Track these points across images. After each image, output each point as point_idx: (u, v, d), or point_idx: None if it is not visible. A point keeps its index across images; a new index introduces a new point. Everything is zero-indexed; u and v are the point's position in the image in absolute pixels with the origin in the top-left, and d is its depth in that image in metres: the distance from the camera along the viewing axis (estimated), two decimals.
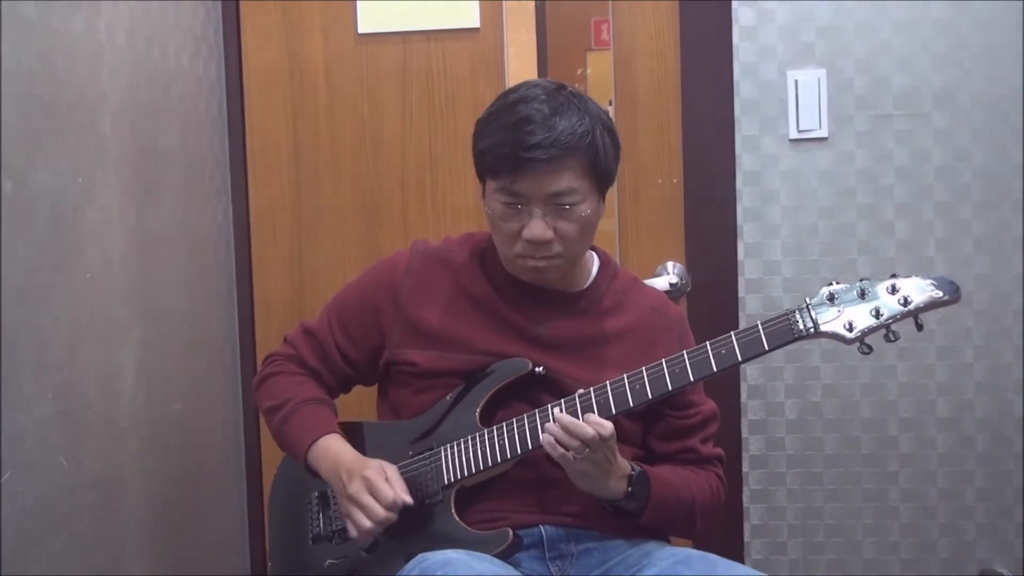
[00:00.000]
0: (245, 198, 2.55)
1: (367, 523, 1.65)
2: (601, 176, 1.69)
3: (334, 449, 1.74)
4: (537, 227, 1.66)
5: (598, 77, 2.54)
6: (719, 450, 1.83)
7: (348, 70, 2.53)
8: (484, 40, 2.50)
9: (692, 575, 1.59)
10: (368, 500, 1.65)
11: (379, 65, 2.53)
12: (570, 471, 1.62)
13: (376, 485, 1.65)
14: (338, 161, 2.55)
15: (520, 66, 2.49)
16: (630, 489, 1.66)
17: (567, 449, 1.58)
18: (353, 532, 1.68)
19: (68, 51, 1.80)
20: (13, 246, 1.62)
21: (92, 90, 1.89)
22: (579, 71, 2.58)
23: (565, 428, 1.58)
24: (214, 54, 2.45)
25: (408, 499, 1.65)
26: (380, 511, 1.64)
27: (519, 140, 1.62)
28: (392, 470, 1.69)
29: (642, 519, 1.70)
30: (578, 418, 1.60)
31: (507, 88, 1.76)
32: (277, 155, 2.55)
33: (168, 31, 2.20)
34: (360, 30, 2.52)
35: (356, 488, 1.66)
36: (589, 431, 1.57)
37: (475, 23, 2.49)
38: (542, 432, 1.62)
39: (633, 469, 1.67)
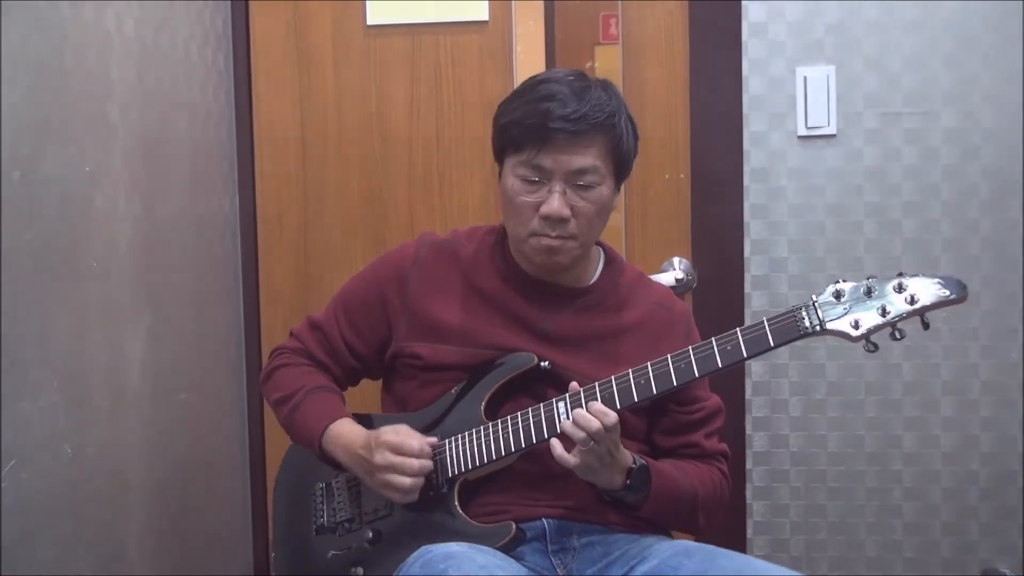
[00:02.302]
0: (252, 188, 2.55)
1: (406, 480, 1.66)
2: (620, 162, 1.71)
3: (348, 432, 1.75)
4: (556, 202, 1.66)
5: (606, 71, 2.53)
6: (724, 446, 1.83)
7: (356, 61, 2.53)
8: (492, 33, 2.50)
9: (691, 565, 1.60)
10: (397, 459, 1.66)
11: (387, 57, 2.52)
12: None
13: (397, 443, 1.67)
14: (345, 152, 2.55)
15: (528, 59, 2.48)
16: (628, 481, 1.66)
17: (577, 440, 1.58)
18: (397, 496, 1.69)
19: (77, 40, 1.80)
20: (21, 234, 1.62)
21: (100, 79, 1.89)
22: (587, 65, 2.58)
23: (577, 421, 1.58)
24: (222, 44, 2.45)
25: (433, 439, 1.69)
26: (413, 462, 1.66)
27: (547, 112, 1.64)
28: (403, 427, 1.70)
29: (642, 511, 1.70)
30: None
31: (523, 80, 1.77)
32: (284, 145, 2.55)
33: (177, 21, 2.20)
34: (369, 21, 2.51)
35: (381, 455, 1.67)
36: (595, 424, 1.57)
37: (484, 16, 2.49)
38: (547, 428, 1.62)
39: (635, 462, 1.67)
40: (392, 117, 2.53)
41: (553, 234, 1.68)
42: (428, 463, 1.67)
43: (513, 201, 1.70)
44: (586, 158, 1.66)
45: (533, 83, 1.72)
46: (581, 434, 1.57)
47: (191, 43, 2.27)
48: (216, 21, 2.42)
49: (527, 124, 1.66)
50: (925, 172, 2.36)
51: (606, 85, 1.72)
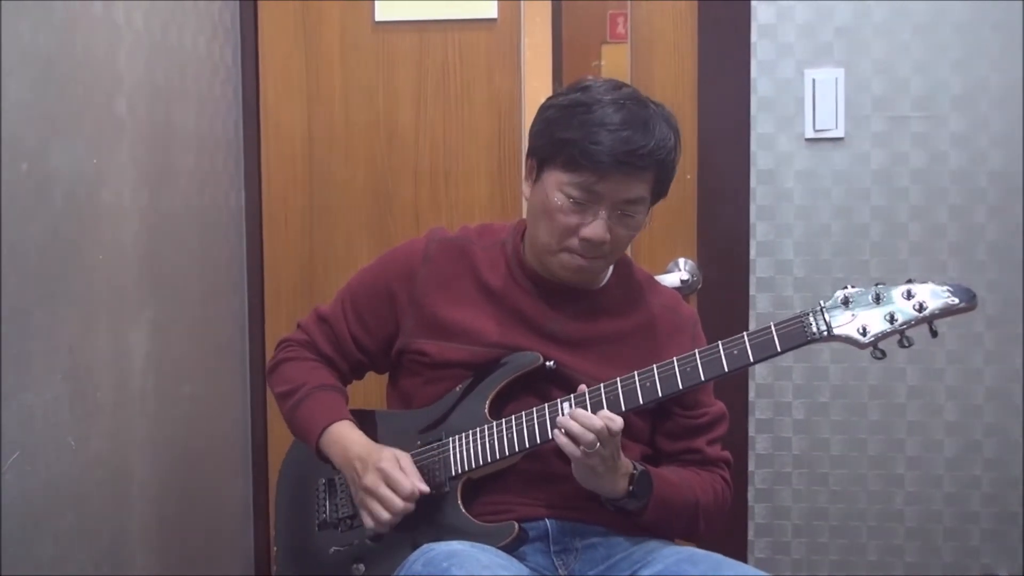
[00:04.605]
0: (258, 183, 2.55)
1: (385, 515, 1.65)
2: (664, 191, 1.72)
3: (346, 436, 1.75)
4: (600, 228, 1.65)
5: (612, 70, 2.53)
6: (726, 453, 1.83)
7: (364, 57, 2.53)
8: (501, 31, 2.49)
9: (696, 573, 1.59)
10: (385, 492, 1.65)
11: (395, 53, 2.52)
12: (578, 467, 1.62)
13: (392, 476, 1.65)
14: (351, 148, 2.54)
15: (536, 57, 2.48)
16: (631, 488, 1.65)
17: (578, 444, 1.57)
18: (370, 523, 1.68)
19: (86, 33, 1.80)
20: (27, 226, 1.62)
21: (109, 73, 1.88)
22: (594, 63, 2.58)
23: (578, 421, 1.58)
24: (230, 38, 2.45)
25: (425, 488, 1.66)
26: (398, 502, 1.64)
27: (614, 143, 1.61)
28: (406, 459, 1.69)
29: (644, 518, 1.69)
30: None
31: (578, 82, 1.72)
32: (291, 141, 2.55)
33: (185, 15, 2.20)
34: (377, 18, 2.51)
35: (372, 480, 1.66)
36: (599, 422, 1.56)
37: (492, 14, 2.48)
38: (552, 428, 1.62)
39: (635, 468, 1.66)
40: (399, 114, 2.53)
41: (589, 255, 1.68)
42: (411, 507, 1.65)
43: (554, 216, 1.67)
44: (639, 190, 1.66)
45: (591, 100, 1.65)
46: (589, 436, 1.56)
47: (199, 37, 2.27)
48: (224, 16, 2.42)
49: (592, 150, 1.61)
50: (932, 176, 2.36)
51: (664, 112, 1.69)
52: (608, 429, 1.57)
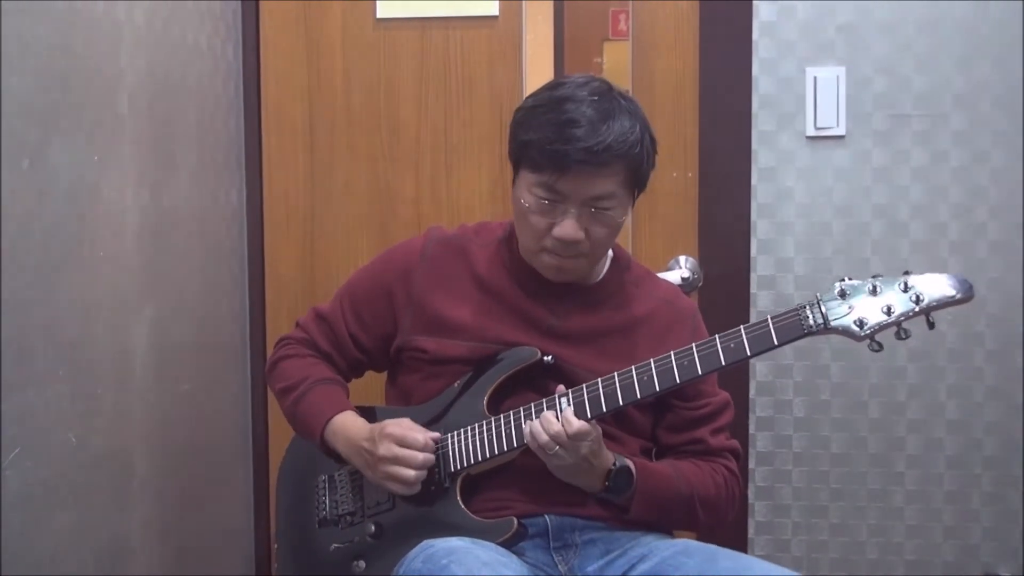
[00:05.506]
0: (259, 180, 2.55)
1: (410, 473, 1.67)
2: (639, 183, 1.71)
3: (350, 425, 1.76)
4: (569, 227, 1.65)
5: (614, 67, 2.53)
6: (733, 442, 1.82)
7: (365, 54, 2.53)
8: (502, 28, 2.49)
9: (691, 563, 1.60)
10: (402, 451, 1.67)
11: (396, 51, 2.52)
12: (548, 463, 1.64)
13: (402, 436, 1.68)
14: (353, 145, 2.55)
15: (537, 54, 2.48)
16: (608, 483, 1.66)
17: (540, 445, 1.60)
18: (398, 488, 1.70)
19: (87, 29, 1.80)
20: (28, 223, 1.62)
21: (110, 68, 1.89)
22: (595, 60, 2.58)
23: (541, 422, 1.61)
24: (232, 35, 2.45)
25: (436, 434, 1.70)
26: (417, 455, 1.67)
27: (570, 139, 1.61)
28: (406, 420, 1.71)
29: (631, 512, 1.70)
30: (585, 410, 1.61)
31: (553, 80, 1.74)
32: (292, 138, 2.55)
33: (187, 12, 2.20)
34: (379, 15, 2.51)
35: (385, 447, 1.68)
36: (555, 426, 1.58)
37: (494, 11, 2.48)
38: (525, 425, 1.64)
39: (615, 464, 1.67)
40: (400, 111, 2.53)
41: (564, 254, 1.68)
42: (431, 457, 1.68)
43: (527, 217, 1.68)
44: (605, 186, 1.65)
45: (556, 98, 1.66)
46: (544, 437, 1.59)
47: (201, 34, 2.27)
48: (227, 13, 2.42)
49: (548, 150, 1.62)
50: (933, 174, 2.36)
51: (631, 104, 1.68)
52: (565, 432, 1.58)
